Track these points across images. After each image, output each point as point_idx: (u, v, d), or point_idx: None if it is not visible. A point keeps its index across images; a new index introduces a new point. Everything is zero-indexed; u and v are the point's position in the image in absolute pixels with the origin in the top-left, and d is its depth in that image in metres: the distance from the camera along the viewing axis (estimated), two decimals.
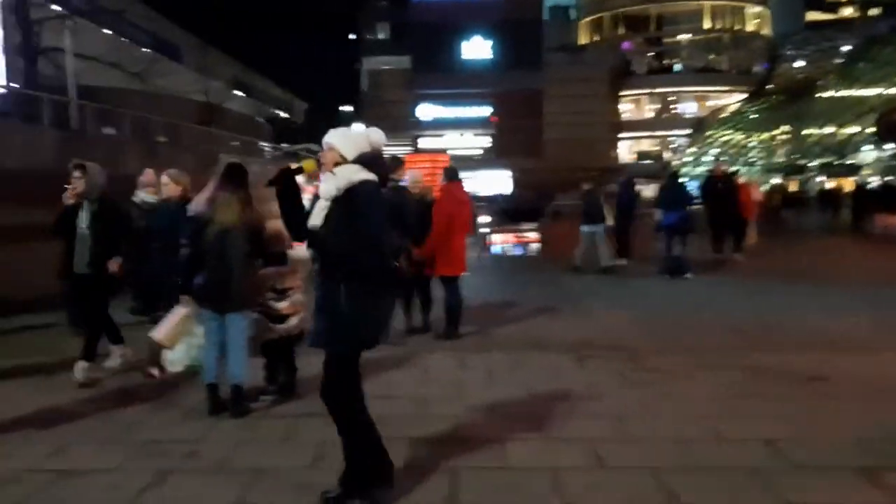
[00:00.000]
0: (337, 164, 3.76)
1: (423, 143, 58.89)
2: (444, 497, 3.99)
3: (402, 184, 7.87)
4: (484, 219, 16.38)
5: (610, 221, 13.62)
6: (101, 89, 16.94)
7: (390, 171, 4.22)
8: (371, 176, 3.74)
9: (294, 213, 3.79)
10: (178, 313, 5.43)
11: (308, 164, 3.81)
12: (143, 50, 19.31)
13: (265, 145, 28.10)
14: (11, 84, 14.66)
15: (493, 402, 5.70)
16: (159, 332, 5.43)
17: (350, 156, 3.78)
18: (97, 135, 13.04)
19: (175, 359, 5.42)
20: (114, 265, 6.32)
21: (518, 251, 17.34)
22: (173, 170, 6.60)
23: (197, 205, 5.38)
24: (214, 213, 5.26)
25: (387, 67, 64.94)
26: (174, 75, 21.25)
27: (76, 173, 6.28)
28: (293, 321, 5.83)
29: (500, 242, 17.63)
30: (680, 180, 15.13)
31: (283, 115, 54.35)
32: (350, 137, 3.85)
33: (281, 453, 4.66)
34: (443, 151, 40.36)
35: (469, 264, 8.87)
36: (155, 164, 13.89)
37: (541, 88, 60.32)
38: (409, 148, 53.19)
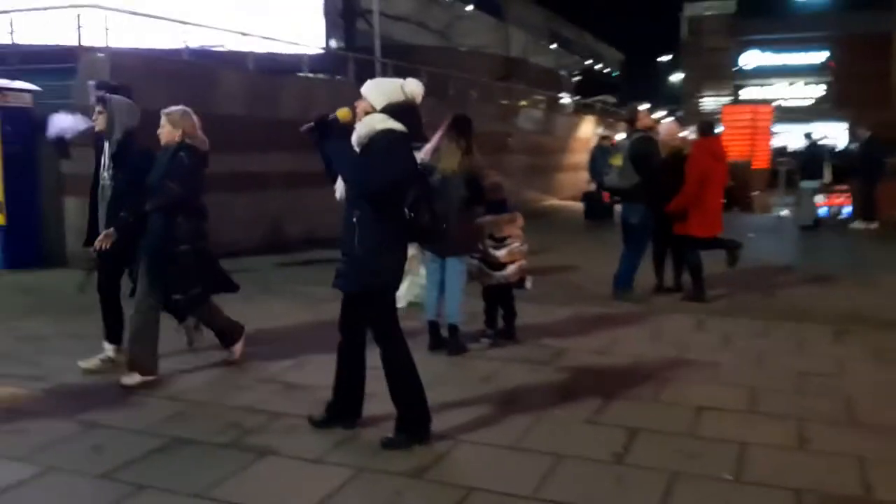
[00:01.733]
0: (367, 113, 3.81)
1: (745, 93, 54.72)
2: (615, 455, 3.88)
3: (645, 135, 7.58)
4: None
5: None
6: (407, 47, 18.34)
7: (419, 123, 3.91)
8: (396, 125, 3.74)
9: (330, 158, 3.88)
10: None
11: (342, 112, 3.89)
12: (448, 8, 20.42)
13: (566, 98, 28.30)
14: (331, 42, 16.56)
15: (708, 367, 5.36)
16: None
17: (378, 105, 3.80)
18: None
19: (399, 296, 5.84)
20: (102, 239, 4.94)
21: (846, 212, 15.54)
22: (175, 109, 5.18)
23: (423, 153, 5.69)
24: (437, 160, 5.55)
25: (709, 13, 60.98)
26: (476, 32, 22.14)
27: (98, 107, 5.25)
28: (511, 269, 5.97)
29: (828, 203, 15.97)
30: None
31: (595, 66, 53.62)
32: (380, 87, 3.89)
33: (474, 392, 4.85)
34: (767, 102, 36.88)
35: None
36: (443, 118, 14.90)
37: (890, 31, 52.53)
38: (727, 98, 49.82)
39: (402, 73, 14.27)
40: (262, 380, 5.06)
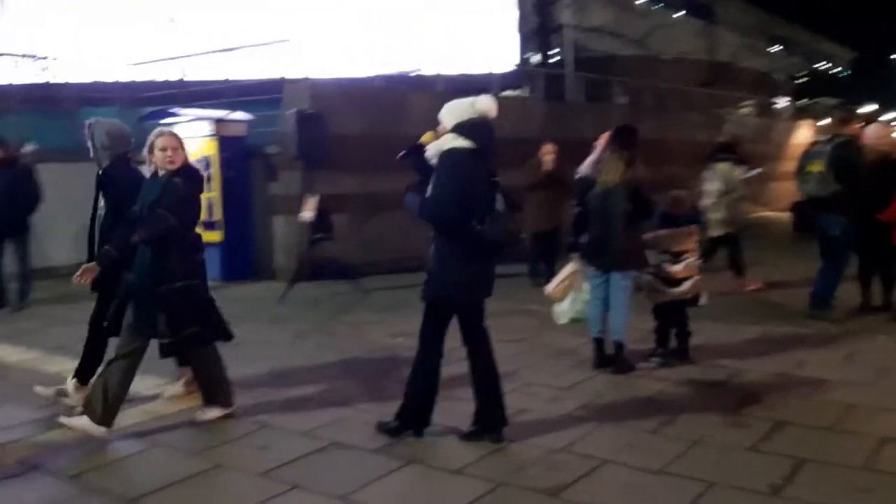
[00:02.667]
0: (443, 133, 3.99)
1: None
2: (772, 487, 3.59)
3: (848, 139, 6.92)
4: None
5: None
6: (604, 58, 18.10)
7: (489, 137, 3.98)
8: (464, 143, 3.89)
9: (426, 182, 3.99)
10: (568, 269, 5.77)
11: (426, 136, 4.10)
12: (646, 16, 19.84)
13: (782, 102, 26.38)
14: (528, 58, 16.74)
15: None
16: (550, 286, 5.86)
17: (450, 125, 3.98)
18: (579, 103, 14.08)
19: (561, 311, 5.79)
20: (81, 274, 4.41)
21: None
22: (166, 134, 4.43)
23: (585, 167, 5.61)
24: (598, 173, 5.44)
25: None
26: (678, 38, 21.29)
27: (86, 132, 4.87)
28: (687, 285, 5.72)
29: None
30: None
31: (821, 66, 49.63)
32: (451, 107, 4.04)
33: (633, 412, 4.69)
34: None
35: None
36: (641, 128, 14.50)
37: None
38: None
39: (595, 86, 14.16)
40: None
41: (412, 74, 15.35)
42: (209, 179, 9.68)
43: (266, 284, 9.38)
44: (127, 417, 4.68)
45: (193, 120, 9.79)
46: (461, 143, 3.92)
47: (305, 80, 10.06)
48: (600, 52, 18.75)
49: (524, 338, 6.57)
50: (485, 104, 4.03)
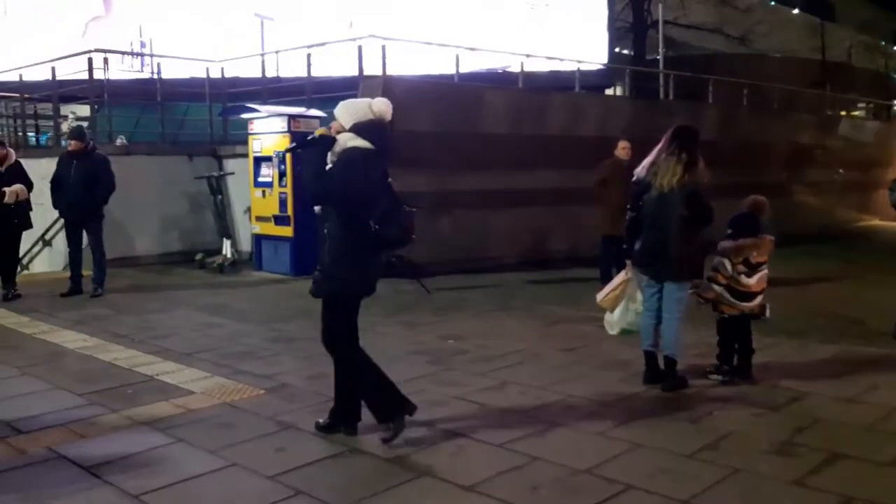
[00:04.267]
0: (339, 132, 4.05)
1: None
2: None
3: None
4: None
5: None
6: (703, 56, 17.33)
7: (387, 138, 4.07)
8: (362, 143, 3.97)
9: (311, 175, 4.06)
10: (620, 277, 5.46)
11: (319, 131, 4.15)
12: (748, 13, 18.81)
13: None
14: (618, 54, 16.22)
15: None
16: (601, 294, 5.56)
17: (347, 125, 4.05)
18: (670, 102, 13.49)
19: (612, 322, 5.48)
20: None
21: None
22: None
23: (640, 169, 5.28)
24: (654, 176, 5.11)
25: None
26: (782, 36, 20.16)
27: None
28: (758, 300, 5.33)
29: None
30: None
31: None
32: (348, 107, 4.11)
33: (674, 433, 4.36)
34: None
35: None
36: (736, 129, 13.80)
37: None
38: None
39: (689, 84, 13.54)
40: (457, 397, 5.03)
41: (500, 71, 15.17)
42: (282, 175, 9.81)
43: None
44: (158, 410, 4.73)
45: (269, 116, 9.93)
46: (359, 142, 4.00)
47: (380, 76, 10.01)
48: (698, 49, 17.98)
49: (579, 347, 6.30)
50: (381, 106, 4.12)
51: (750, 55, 18.60)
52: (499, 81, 13.27)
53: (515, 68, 13.11)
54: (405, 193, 9.29)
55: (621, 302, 5.41)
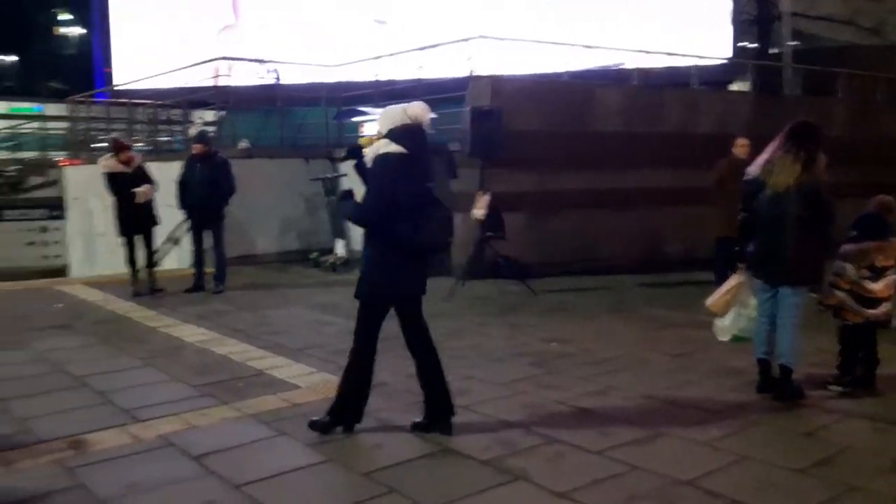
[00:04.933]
0: (379, 138, 4.12)
1: None
2: None
3: None
4: None
5: None
6: (834, 48, 16.31)
7: (422, 142, 4.12)
8: (396, 148, 4.01)
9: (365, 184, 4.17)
10: (732, 281, 5.21)
11: (364, 140, 4.31)
12: (879, 1, 17.50)
13: None
14: (741, 49, 15.53)
15: None
16: (711, 298, 5.32)
17: (384, 130, 4.11)
18: (796, 97, 12.75)
19: (723, 327, 5.23)
20: None
21: None
22: None
23: (754, 167, 5.01)
24: (768, 175, 4.84)
25: None
26: None
27: None
28: (885, 306, 4.97)
29: None
30: None
31: None
32: (385, 114, 4.18)
33: (786, 446, 4.11)
34: None
35: None
36: (868, 125, 12.87)
37: None
38: None
39: (817, 79, 12.77)
40: (558, 401, 4.94)
41: (615, 69, 14.85)
42: None
43: (441, 280, 9.42)
44: (265, 403, 4.89)
45: (379, 118, 10.08)
46: (394, 148, 4.03)
47: (488, 76, 10.00)
48: (828, 41, 16.95)
49: (688, 353, 6.06)
50: (416, 110, 4.16)
51: (884, 47, 17.34)
52: (612, 79, 12.96)
53: (631, 65, 12.82)
54: (513, 193, 9.44)
55: (733, 307, 5.17)
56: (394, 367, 5.71)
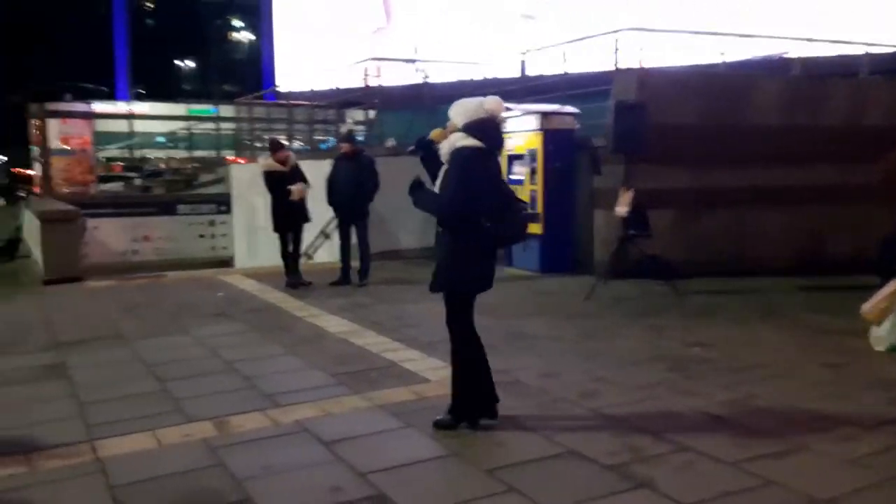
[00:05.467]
0: (453, 131, 4.10)
1: None
2: None
3: None
4: None
5: None
6: None
7: (498, 136, 4.21)
8: (472, 142, 4.03)
9: (434, 178, 4.17)
10: (890, 287, 4.78)
11: (435, 132, 4.23)
12: None
13: None
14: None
15: None
16: (867, 305, 4.89)
17: (460, 123, 4.10)
18: None
19: (878, 336, 4.81)
20: None
21: None
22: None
23: None
24: None
25: None
26: None
27: None
28: None
29: None
30: None
31: None
32: (461, 106, 4.15)
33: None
34: None
35: None
36: None
37: None
38: None
39: None
40: (694, 408, 4.72)
41: (776, 58, 14.02)
42: (534, 172, 9.91)
43: (582, 279, 9.28)
44: (395, 395, 5.01)
45: (522, 115, 10.07)
46: (471, 141, 4.05)
47: (635, 69, 9.71)
48: None
49: (843, 363, 5.61)
50: (493, 104, 4.15)
51: None
52: (772, 69, 12.22)
53: (795, 54, 12.05)
54: (660, 190, 9.12)
55: (891, 314, 4.74)
56: (528, 364, 5.72)
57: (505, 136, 10.12)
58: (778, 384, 5.18)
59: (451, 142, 4.12)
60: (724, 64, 10.86)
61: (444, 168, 4.13)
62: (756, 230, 10.01)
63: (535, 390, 5.11)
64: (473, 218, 4.07)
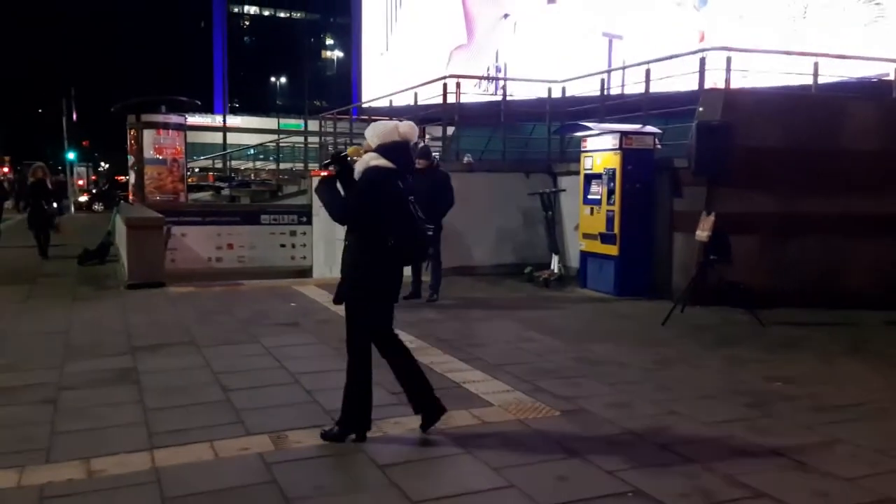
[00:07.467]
0: (367, 151, 4.40)
1: None
2: None
3: None
4: None
5: None
6: None
7: (409, 160, 4.54)
8: (384, 163, 4.31)
9: (345, 190, 4.41)
10: None
11: (352, 149, 4.58)
12: None
13: None
14: None
15: None
16: None
17: (374, 144, 4.39)
18: None
19: None
20: None
21: None
22: None
23: None
24: None
25: None
26: None
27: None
28: None
29: None
30: None
31: None
32: (376, 129, 4.43)
33: None
34: None
35: None
36: None
37: None
38: None
39: None
40: (772, 450, 4.42)
41: (875, 80, 13.35)
42: (611, 193, 9.65)
43: (659, 304, 8.95)
44: (456, 418, 4.88)
45: (601, 134, 9.85)
46: (383, 162, 4.31)
47: (721, 89, 9.37)
48: None
49: None
50: (407, 129, 4.44)
51: None
52: (869, 92, 11.63)
53: (893, 76, 11.44)
54: (744, 214, 8.74)
55: None
56: (597, 392, 5.51)
57: (584, 155, 10.11)
58: (867, 428, 4.82)
59: (365, 160, 4.39)
60: (817, 86, 10.36)
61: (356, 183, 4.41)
62: (845, 260, 9.48)
63: (602, 421, 4.91)
64: (374, 233, 4.33)
